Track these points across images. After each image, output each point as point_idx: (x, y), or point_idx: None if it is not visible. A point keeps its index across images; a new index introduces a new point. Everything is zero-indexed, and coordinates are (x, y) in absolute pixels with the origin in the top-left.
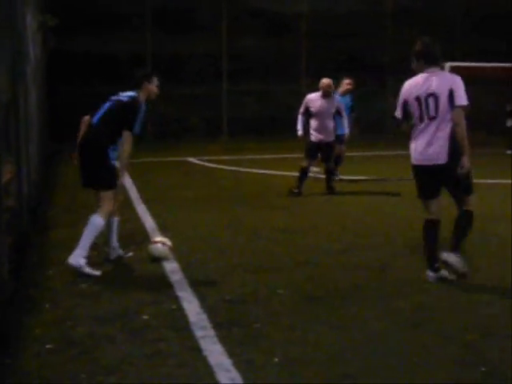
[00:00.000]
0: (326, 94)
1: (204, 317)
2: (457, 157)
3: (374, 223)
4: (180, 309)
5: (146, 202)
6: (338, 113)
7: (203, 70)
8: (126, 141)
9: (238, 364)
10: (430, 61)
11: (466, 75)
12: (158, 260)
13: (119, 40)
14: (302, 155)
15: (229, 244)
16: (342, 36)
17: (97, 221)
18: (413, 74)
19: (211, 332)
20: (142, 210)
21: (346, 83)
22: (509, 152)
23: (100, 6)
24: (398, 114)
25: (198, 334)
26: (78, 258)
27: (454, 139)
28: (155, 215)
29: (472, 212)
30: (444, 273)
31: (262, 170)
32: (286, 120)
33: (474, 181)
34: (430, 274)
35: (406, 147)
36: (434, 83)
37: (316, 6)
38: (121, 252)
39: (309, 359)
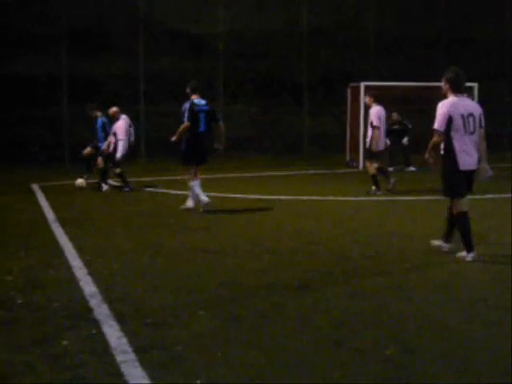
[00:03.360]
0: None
1: (124, 341)
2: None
3: (292, 242)
4: (100, 333)
5: (64, 225)
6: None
7: (120, 92)
8: None
9: None
10: (462, 88)
11: (379, 94)
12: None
13: (35, 62)
14: (220, 176)
15: (149, 266)
16: (259, 56)
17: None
18: (327, 93)
19: (132, 356)
20: (59, 233)
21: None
22: (412, 169)
23: (14, 26)
24: (442, 127)
25: (119, 358)
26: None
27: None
28: (73, 238)
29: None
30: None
31: (181, 192)
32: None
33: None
34: (470, 255)
35: (321, 167)
36: (470, 106)
37: (233, 27)
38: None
39: (231, 381)
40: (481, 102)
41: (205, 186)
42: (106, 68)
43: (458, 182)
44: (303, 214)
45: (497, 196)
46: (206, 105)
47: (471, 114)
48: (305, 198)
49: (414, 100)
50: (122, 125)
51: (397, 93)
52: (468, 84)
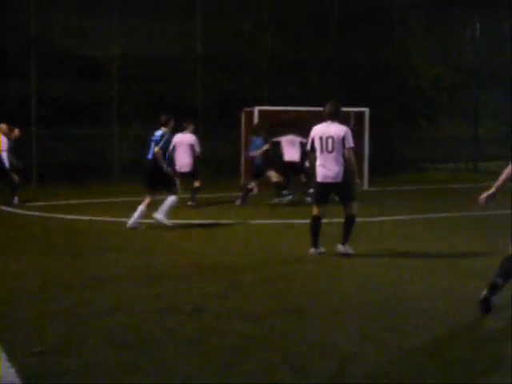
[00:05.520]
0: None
1: (12, 371)
2: (346, 178)
3: (185, 266)
4: None
5: None
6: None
7: (11, 114)
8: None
9: None
10: (332, 116)
11: (273, 119)
12: None
13: None
14: (115, 199)
15: (38, 293)
16: (153, 80)
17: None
18: (221, 117)
19: None
20: None
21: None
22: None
23: None
24: (309, 147)
25: None
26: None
27: (345, 167)
28: None
29: (354, 215)
30: (322, 250)
31: (73, 216)
32: (98, 164)
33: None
34: (312, 250)
35: (215, 190)
36: (332, 130)
37: (127, 51)
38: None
39: None
40: (371, 126)
41: (99, 211)
42: None
43: (316, 190)
44: (197, 237)
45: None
46: (159, 136)
47: (330, 137)
48: (198, 221)
49: (306, 124)
50: None
51: (289, 117)
52: (359, 109)
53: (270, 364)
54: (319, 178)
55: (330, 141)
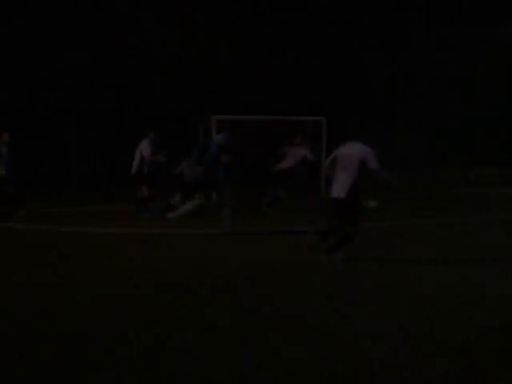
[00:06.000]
0: None
1: None
2: (352, 195)
3: (138, 277)
4: None
5: None
6: None
7: None
8: None
9: None
10: (352, 139)
11: (231, 127)
12: None
13: None
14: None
15: None
16: (109, 89)
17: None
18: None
19: None
20: None
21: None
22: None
23: None
24: (328, 163)
25: None
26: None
27: (354, 184)
28: None
29: (353, 231)
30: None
31: (27, 226)
32: (55, 173)
33: None
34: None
35: None
36: (351, 149)
37: (81, 58)
38: None
39: None
40: (329, 137)
41: (51, 220)
42: None
43: (332, 205)
44: (155, 247)
45: None
46: (214, 143)
47: (348, 155)
48: (159, 231)
49: (266, 133)
50: None
51: (248, 126)
52: (316, 118)
53: (233, 375)
54: (330, 193)
55: (346, 160)
